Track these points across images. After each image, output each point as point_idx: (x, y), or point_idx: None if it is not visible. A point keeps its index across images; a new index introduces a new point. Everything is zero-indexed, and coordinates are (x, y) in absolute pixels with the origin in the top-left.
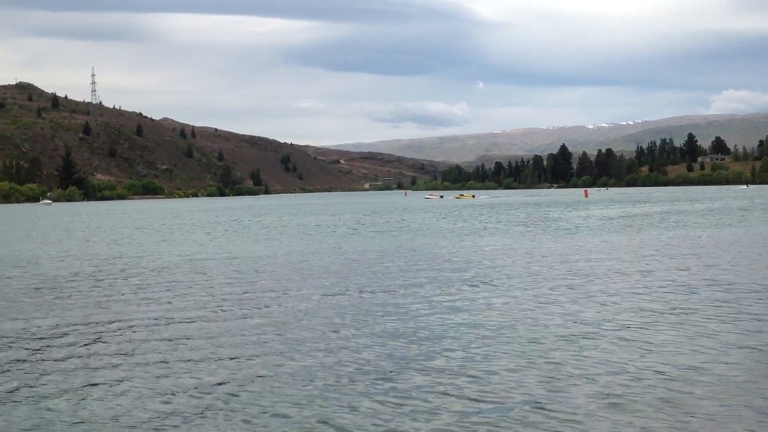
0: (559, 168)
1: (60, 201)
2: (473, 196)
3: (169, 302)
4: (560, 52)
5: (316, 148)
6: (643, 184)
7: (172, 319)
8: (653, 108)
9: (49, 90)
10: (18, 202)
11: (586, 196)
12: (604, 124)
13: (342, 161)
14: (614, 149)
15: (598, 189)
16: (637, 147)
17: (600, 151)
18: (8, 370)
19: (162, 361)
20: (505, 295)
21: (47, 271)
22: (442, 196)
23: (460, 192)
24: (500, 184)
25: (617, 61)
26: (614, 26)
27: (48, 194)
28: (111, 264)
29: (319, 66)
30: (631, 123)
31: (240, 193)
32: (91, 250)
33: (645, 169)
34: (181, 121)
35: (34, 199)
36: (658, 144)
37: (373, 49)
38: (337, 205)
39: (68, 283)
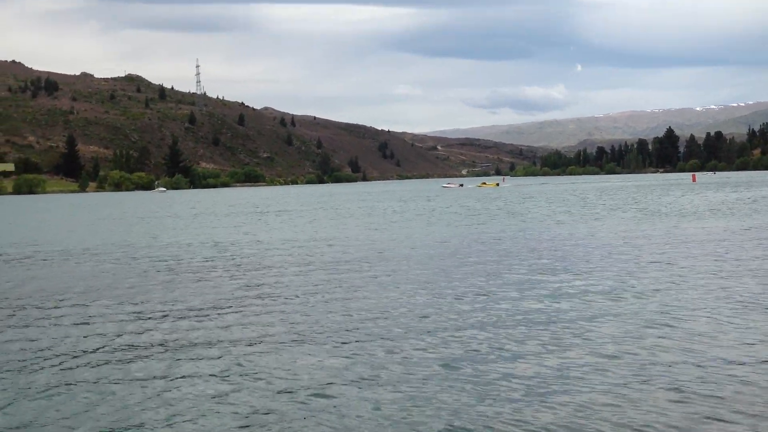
0: (665, 152)
1: (167, 188)
2: (497, 184)
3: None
4: (666, 31)
5: (413, 135)
6: (755, 168)
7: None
8: (765, 88)
9: (155, 81)
10: (128, 189)
11: (694, 180)
12: (712, 106)
13: (439, 147)
14: (724, 132)
15: (704, 173)
16: (749, 129)
17: (708, 134)
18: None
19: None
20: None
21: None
22: (461, 185)
23: (482, 180)
24: (602, 169)
25: (727, 40)
26: (724, 2)
27: (157, 182)
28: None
29: (415, 52)
30: (742, 105)
31: (338, 180)
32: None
33: (757, 152)
34: (282, 109)
35: (143, 187)
36: None
37: (468, 34)
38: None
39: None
